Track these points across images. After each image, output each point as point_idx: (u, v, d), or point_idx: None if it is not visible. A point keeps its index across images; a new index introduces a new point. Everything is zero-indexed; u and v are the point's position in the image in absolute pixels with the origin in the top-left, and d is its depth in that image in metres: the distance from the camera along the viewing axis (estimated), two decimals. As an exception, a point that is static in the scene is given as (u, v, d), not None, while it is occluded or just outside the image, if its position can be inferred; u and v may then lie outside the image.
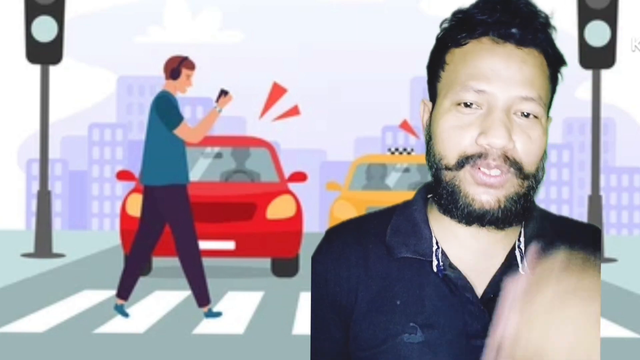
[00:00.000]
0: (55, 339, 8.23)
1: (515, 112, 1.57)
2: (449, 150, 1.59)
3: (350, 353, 1.67)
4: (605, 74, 15.80)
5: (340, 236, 1.70)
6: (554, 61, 1.63)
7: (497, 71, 1.57)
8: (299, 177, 13.51)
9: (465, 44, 1.62)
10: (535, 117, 1.58)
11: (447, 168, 1.59)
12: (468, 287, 1.61)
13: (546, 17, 1.61)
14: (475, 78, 1.58)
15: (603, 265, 14.86)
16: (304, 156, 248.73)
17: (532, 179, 1.59)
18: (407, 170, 16.97)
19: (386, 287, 1.64)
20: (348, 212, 15.43)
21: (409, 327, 1.61)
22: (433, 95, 1.67)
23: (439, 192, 1.62)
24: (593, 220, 15.70)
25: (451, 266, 1.62)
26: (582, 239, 1.70)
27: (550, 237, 1.67)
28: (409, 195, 13.78)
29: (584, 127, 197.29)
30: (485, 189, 1.57)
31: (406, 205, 1.72)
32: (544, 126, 1.59)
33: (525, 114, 1.57)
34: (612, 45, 15.50)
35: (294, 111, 10.09)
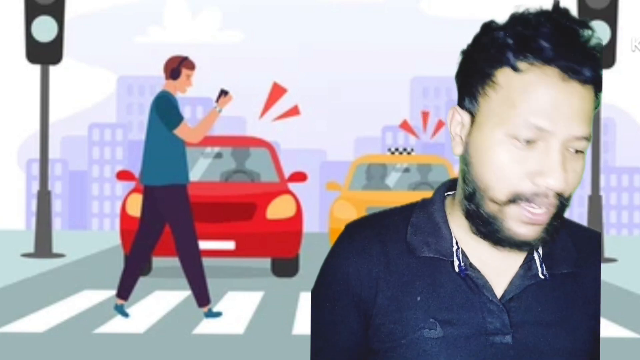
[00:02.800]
0: (55, 339, 8.23)
1: (568, 147, 1.55)
2: (500, 184, 1.55)
3: (370, 347, 1.68)
4: (605, 74, 15.81)
5: (361, 231, 1.70)
6: (599, 90, 1.58)
7: (560, 109, 1.52)
8: (299, 177, 13.51)
9: (522, 70, 1.53)
10: (582, 151, 1.56)
11: (493, 201, 1.56)
12: (488, 286, 1.62)
13: (601, 49, 1.56)
14: (538, 115, 1.52)
15: (603, 265, 14.87)
16: (304, 156, 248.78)
17: (566, 201, 1.58)
18: (407, 170, 16.97)
19: (407, 284, 1.64)
20: (348, 212, 15.43)
21: (428, 322, 1.62)
22: (472, 109, 1.60)
23: (475, 216, 1.60)
24: (593, 220, 15.71)
25: (471, 266, 1.63)
26: (589, 243, 1.72)
27: (565, 242, 1.68)
28: (409, 195, 13.71)
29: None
30: (528, 226, 1.56)
31: (425, 203, 1.70)
32: (585, 156, 1.58)
33: (576, 150, 1.55)
34: (612, 45, 15.51)
35: (294, 111, 10.09)
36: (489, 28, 1.57)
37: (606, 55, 15.51)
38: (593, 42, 1.53)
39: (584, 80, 1.52)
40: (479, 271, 1.63)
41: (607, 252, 16.34)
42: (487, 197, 1.56)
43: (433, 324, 1.62)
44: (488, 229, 1.58)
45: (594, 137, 15.90)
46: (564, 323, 1.64)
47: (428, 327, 1.62)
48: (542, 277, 1.63)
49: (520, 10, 1.56)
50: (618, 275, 13.41)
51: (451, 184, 1.71)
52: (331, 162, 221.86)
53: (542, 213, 1.54)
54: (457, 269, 1.63)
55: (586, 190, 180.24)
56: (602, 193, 17.70)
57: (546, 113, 1.51)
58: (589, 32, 1.53)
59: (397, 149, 17.37)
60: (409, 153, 17.36)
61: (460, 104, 1.62)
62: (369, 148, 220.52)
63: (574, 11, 15.65)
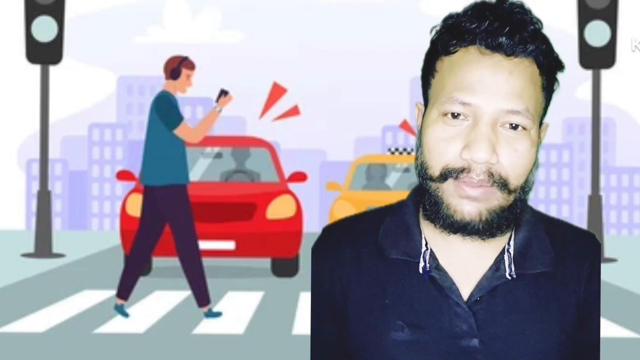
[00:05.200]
0: (55, 339, 8.23)
1: (502, 124, 1.55)
2: (434, 161, 1.57)
3: (345, 351, 1.70)
4: (605, 74, 15.81)
5: (335, 234, 1.72)
6: (547, 69, 1.59)
7: (484, 83, 1.54)
8: (299, 177, 13.51)
9: (453, 53, 1.58)
10: (524, 128, 1.55)
11: (432, 179, 1.58)
12: (453, 288, 1.61)
13: (539, 23, 1.57)
14: (460, 90, 1.55)
15: (603, 265, 14.87)
16: (304, 156, 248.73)
17: (519, 191, 1.57)
18: (407, 170, 16.98)
19: (377, 287, 1.65)
20: (348, 212, 15.43)
21: (396, 325, 1.62)
22: (425, 101, 1.66)
23: (425, 200, 1.61)
24: (593, 220, 15.71)
25: (438, 268, 1.62)
26: (576, 243, 1.69)
27: (542, 242, 1.65)
28: (409, 195, 13.71)
29: (584, 127, 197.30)
30: (468, 201, 1.55)
31: (399, 206, 1.71)
32: (533, 137, 1.56)
33: (513, 126, 1.55)
34: (612, 45, 15.50)
35: (294, 111, 10.09)
36: (434, 27, 1.64)
37: (606, 55, 15.51)
38: (518, 14, 1.55)
39: (507, 52, 1.54)
40: (445, 273, 1.62)
41: (607, 252, 16.34)
42: (428, 176, 1.59)
43: (400, 327, 1.61)
44: (433, 209, 1.59)
45: (594, 137, 15.90)
46: (535, 323, 1.62)
47: (395, 330, 1.61)
48: (509, 277, 1.61)
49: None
50: (618, 275, 13.41)
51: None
52: (331, 162, 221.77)
53: (476, 185, 1.54)
54: (421, 271, 1.62)
55: (586, 190, 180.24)
56: (602, 193, 17.70)
57: (469, 87, 1.54)
58: (515, 7, 1.56)
59: (397, 149, 17.37)
60: (409, 153, 17.36)
61: (423, 98, 1.68)
62: (369, 148, 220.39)
63: (574, 11, 15.69)
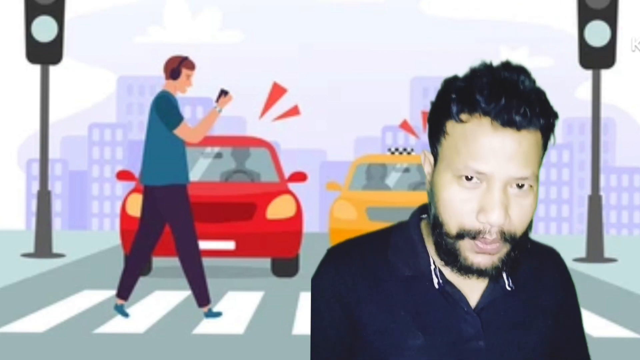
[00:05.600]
0: (55, 339, 8.23)
1: (511, 185, 1.73)
2: (450, 220, 1.75)
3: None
4: (605, 74, 15.82)
5: (345, 253, 1.88)
6: (548, 131, 1.76)
7: (495, 153, 1.71)
8: (299, 177, 13.51)
9: (465, 122, 1.73)
10: (530, 186, 1.74)
11: (448, 235, 1.77)
12: (464, 299, 1.83)
13: (546, 99, 1.74)
14: (475, 159, 1.71)
15: (603, 265, 14.87)
16: (304, 156, 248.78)
17: (522, 237, 1.77)
18: (407, 170, 16.97)
19: (390, 300, 1.84)
20: (348, 212, 15.43)
21: (412, 332, 1.82)
22: (434, 152, 1.81)
23: (440, 246, 1.79)
24: (593, 220, 15.71)
25: (448, 282, 1.84)
26: (545, 258, 1.95)
27: (524, 258, 1.91)
28: (409, 195, 13.70)
29: (584, 127, 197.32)
30: (483, 255, 1.76)
31: (402, 226, 1.90)
32: (535, 192, 1.75)
33: (520, 185, 1.73)
34: (612, 45, 15.51)
35: (294, 111, 10.09)
36: (445, 82, 1.79)
37: (606, 55, 15.52)
38: (527, 88, 1.72)
39: (517, 128, 1.70)
40: (455, 286, 1.83)
41: (607, 252, 16.34)
42: (444, 232, 1.77)
43: (416, 334, 1.82)
44: (449, 259, 1.78)
45: (594, 137, 15.90)
46: (527, 325, 1.88)
47: (411, 337, 1.82)
48: (509, 288, 1.86)
49: (477, 64, 1.77)
50: (618, 275, 13.41)
51: (425, 208, 1.89)
52: (331, 162, 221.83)
53: (491, 244, 1.74)
54: (437, 286, 1.83)
55: (586, 190, 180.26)
56: (602, 193, 17.72)
57: (482, 158, 1.71)
58: (525, 79, 1.72)
59: (397, 149, 17.37)
60: (409, 153, 17.36)
61: (430, 147, 1.84)
62: (369, 148, 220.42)
63: (574, 11, 15.69)
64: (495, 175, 1.70)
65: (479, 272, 1.77)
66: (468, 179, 1.72)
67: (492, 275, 1.78)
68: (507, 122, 1.69)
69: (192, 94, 13.13)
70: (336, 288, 1.85)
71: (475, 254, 1.75)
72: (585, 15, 15.48)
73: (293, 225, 12.72)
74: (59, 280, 12.53)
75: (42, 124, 15.61)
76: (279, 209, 12.75)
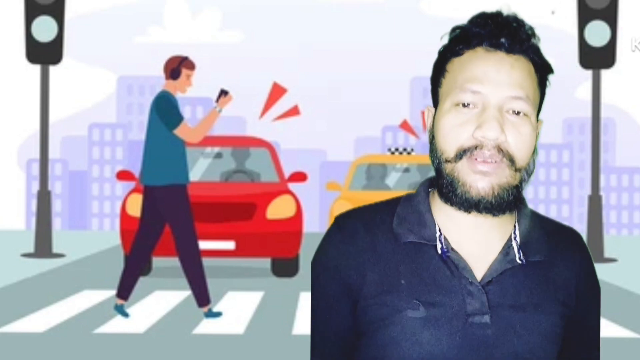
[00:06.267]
0: (55, 339, 8.23)
1: (507, 110, 1.78)
2: (449, 145, 1.78)
3: (357, 330, 1.84)
4: (605, 74, 15.81)
5: (350, 222, 1.87)
6: (541, 68, 1.85)
7: (490, 75, 1.79)
8: (299, 177, 13.51)
9: (462, 54, 1.83)
10: (525, 115, 1.79)
11: (447, 161, 1.79)
12: (468, 269, 1.79)
13: (531, 29, 1.85)
14: (470, 81, 1.79)
15: (603, 265, 14.87)
16: (304, 156, 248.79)
17: (523, 172, 1.80)
18: (407, 170, 16.97)
19: (392, 269, 1.81)
20: (348, 212, 15.43)
21: (412, 303, 1.78)
22: (436, 101, 1.87)
23: (440, 183, 1.81)
24: (593, 220, 15.71)
25: (453, 250, 1.81)
26: (566, 239, 1.90)
27: (539, 233, 1.86)
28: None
29: (584, 127, 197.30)
30: (481, 176, 1.77)
31: (410, 197, 1.90)
32: (533, 124, 1.80)
33: (516, 112, 1.78)
34: (612, 45, 15.51)
35: (294, 111, 10.10)
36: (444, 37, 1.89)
37: (606, 55, 15.52)
38: (514, 20, 1.83)
39: (507, 50, 1.81)
40: (459, 255, 1.80)
41: (607, 252, 16.34)
42: (443, 159, 1.80)
43: (416, 305, 1.78)
44: (449, 189, 1.79)
45: (594, 137, 15.91)
46: (537, 306, 1.81)
47: (411, 308, 1.78)
48: (519, 262, 1.81)
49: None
50: (618, 275, 13.41)
51: (433, 181, 1.89)
52: (331, 162, 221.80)
53: (488, 161, 1.76)
54: (439, 252, 1.80)
55: (586, 190, 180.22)
56: (602, 193, 17.70)
57: (477, 79, 1.79)
58: (510, 16, 1.84)
59: (397, 149, 17.37)
60: (409, 153, 17.36)
61: (432, 99, 1.91)
62: (369, 148, 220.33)
63: (574, 11, 15.68)
64: (490, 95, 1.78)
65: (478, 199, 1.76)
66: (465, 105, 1.78)
67: (493, 204, 1.76)
68: (496, 44, 1.81)
69: (192, 94, 13.13)
70: (341, 258, 1.83)
71: (474, 176, 1.76)
72: (585, 15, 15.48)
73: (293, 225, 12.72)
74: (59, 280, 12.53)
75: (42, 124, 15.61)
76: (279, 209, 12.75)
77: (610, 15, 15.49)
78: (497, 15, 1.84)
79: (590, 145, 15.99)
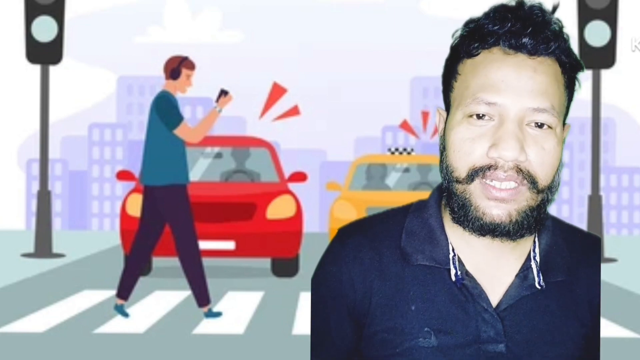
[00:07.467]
0: (55, 339, 8.23)
1: (528, 123, 1.54)
2: (460, 162, 1.56)
3: (364, 354, 1.68)
4: (605, 74, 15.81)
5: (353, 237, 1.69)
6: (569, 68, 1.59)
7: (508, 82, 1.53)
8: (299, 177, 13.51)
9: (476, 55, 1.58)
10: (550, 127, 1.54)
11: (458, 181, 1.57)
12: (483, 295, 1.61)
13: (558, 23, 1.57)
14: (485, 90, 1.54)
15: (603, 265, 14.87)
16: (304, 156, 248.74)
17: (547, 191, 1.56)
18: (407, 170, 16.96)
19: (400, 292, 1.63)
20: (348, 212, 15.43)
21: (423, 332, 1.61)
22: (447, 105, 1.64)
23: (451, 203, 1.60)
24: (593, 220, 15.71)
25: (467, 274, 1.62)
26: (588, 249, 1.71)
27: (560, 248, 1.66)
28: (409, 195, 13.65)
29: (584, 127, 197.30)
30: (497, 203, 1.54)
31: (420, 207, 1.68)
32: (559, 135, 1.55)
33: (539, 124, 1.54)
34: (612, 45, 15.50)
35: (294, 111, 10.09)
36: (456, 31, 1.63)
37: (606, 55, 15.51)
38: (539, 15, 1.54)
39: (530, 52, 1.54)
40: (475, 280, 1.61)
41: (607, 252, 16.34)
42: (454, 178, 1.57)
43: (428, 334, 1.61)
44: (461, 212, 1.57)
45: (594, 137, 15.90)
46: (557, 331, 1.63)
47: (422, 337, 1.61)
48: (539, 287, 1.62)
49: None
50: (618, 275, 13.40)
51: (444, 190, 1.67)
52: (331, 162, 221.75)
53: (507, 188, 1.52)
54: (453, 278, 1.61)
55: (586, 190, 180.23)
56: (602, 193, 17.73)
57: (494, 87, 1.53)
58: (534, 8, 1.56)
59: (397, 149, 17.37)
60: (409, 153, 17.35)
61: (444, 102, 1.67)
62: (369, 148, 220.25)
63: (574, 11, 15.67)
64: (508, 106, 1.52)
65: (493, 227, 1.54)
66: (479, 117, 1.54)
67: (510, 231, 1.54)
68: (517, 46, 1.54)
69: (192, 94, 13.12)
70: (344, 278, 1.66)
71: (487, 202, 1.53)
72: (585, 15, 15.48)
73: (293, 225, 12.72)
74: (59, 280, 12.53)
75: (42, 124, 15.60)
76: (279, 209, 12.75)
77: (610, 15, 15.49)
78: (519, 7, 1.56)
79: (590, 145, 15.98)
